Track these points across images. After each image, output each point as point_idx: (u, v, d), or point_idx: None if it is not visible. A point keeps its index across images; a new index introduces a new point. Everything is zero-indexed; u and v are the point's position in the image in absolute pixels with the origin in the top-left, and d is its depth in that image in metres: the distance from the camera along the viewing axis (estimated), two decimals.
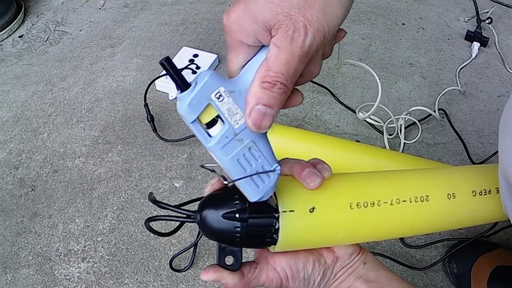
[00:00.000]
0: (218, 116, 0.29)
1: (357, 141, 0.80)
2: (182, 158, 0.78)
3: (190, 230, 0.69)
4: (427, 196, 0.37)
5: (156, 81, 0.88)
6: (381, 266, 0.40)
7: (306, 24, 0.27)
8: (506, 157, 0.33)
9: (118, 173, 0.77)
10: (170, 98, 0.89)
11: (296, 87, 0.32)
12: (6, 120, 0.88)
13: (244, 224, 0.32)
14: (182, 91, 0.28)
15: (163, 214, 0.35)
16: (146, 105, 0.82)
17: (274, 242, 0.34)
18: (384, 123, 0.79)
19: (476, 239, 0.64)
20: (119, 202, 0.73)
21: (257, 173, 0.31)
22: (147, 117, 0.81)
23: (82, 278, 0.65)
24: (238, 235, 0.33)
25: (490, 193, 0.39)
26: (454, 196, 0.38)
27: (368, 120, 0.81)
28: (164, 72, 0.90)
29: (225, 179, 0.32)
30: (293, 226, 0.34)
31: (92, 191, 0.75)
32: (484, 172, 0.40)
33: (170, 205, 0.34)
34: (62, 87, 0.94)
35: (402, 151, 0.78)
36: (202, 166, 0.34)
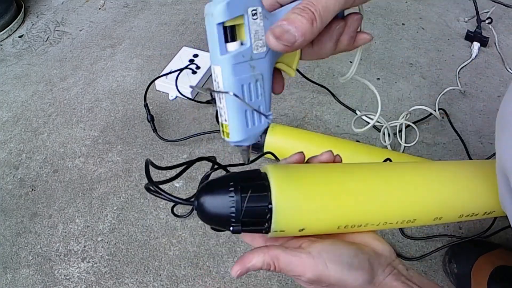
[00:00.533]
0: (240, 33, 0.29)
1: (357, 141, 0.80)
2: (182, 158, 0.78)
3: (190, 230, 0.69)
4: (415, 219, 0.38)
5: (156, 81, 0.88)
6: (421, 274, 0.38)
7: None
8: (503, 153, 0.33)
9: (118, 173, 0.77)
10: (170, 98, 0.89)
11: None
12: (6, 120, 0.88)
13: (239, 208, 0.33)
14: None
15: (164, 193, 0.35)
16: (146, 105, 0.82)
17: (270, 225, 0.34)
18: (385, 123, 0.79)
19: (476, 239, 0.64)
20: (119, 202, 0.73)
21: (253, 109, 0.31)
22: (147, 117, 0.81)
23: (82, 278, 0.65)
24: (233, 218, 0.33)
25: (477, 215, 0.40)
26: (440, 219, 0.39)
27: (368, 120, 0.81)
28: (164, 72, 0.90)
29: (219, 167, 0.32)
30: (287, 208, 0.34)
31: (92, 191, 0.75)
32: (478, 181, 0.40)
33: (173, 196, 0.34)
34: (62, 87, 0.94)
35: (403, 151, 0.78)
36: (191, 87, 0.34)
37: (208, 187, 0.34)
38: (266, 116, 0.32)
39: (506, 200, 0.35)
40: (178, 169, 0.34)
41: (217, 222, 0.34)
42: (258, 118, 0.31)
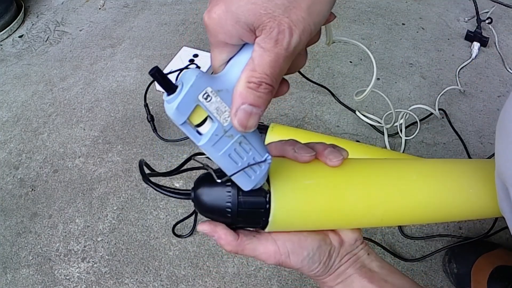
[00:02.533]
0: (207, 116, 0.29)
1: (357, 141, 0.80)
2: (182, 158, 0.78)
3: (190, 230, 0.69)
4: (410, 220, 0.40)
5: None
6: (384, 260, 0.40)
7: (291, 25, 0.26)
8: (502, 160, 0.33)
9: (118, 173, 0.77)
10: None
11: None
12: (6, 120, 0.88)
13: (235, 202, 0.33)
14: (168, 94, 0.28)
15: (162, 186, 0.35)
16: (146, 105, 0.82)
17: (266, 222, 0.34)
18: (385, 124, 0.79)
19: (476, 239, 0.64)
20: (119, 202, 0.73)
21: (249, 166, 0.32)
22: (147, 117, 0.81)
23: (82, 278, 0.65)
24: (229, 213, 0.33)
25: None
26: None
27: (368, 120, 0.81)
28: (164, 72, 0.90)
29: (217, 173, 0.33)
30: (284, 202, 0.34)
31: (92, 191, 0.75)
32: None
33: (170, 187, 0.35)
34: (62, 87, 0.94)
35: (403, 151, 0.78)
36: (194, 159, 0.35)
37: (206, 178, 0.35)
38: (264, 161, 0.33)
39: (504, 205, 0.35)
40: (179, 169, 0.35)
41: (213, 214, 0.35)
42: (257, 167, 0.32)
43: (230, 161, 0.31)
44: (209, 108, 0.28)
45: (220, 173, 0.33)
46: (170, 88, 0.27)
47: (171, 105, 0.27)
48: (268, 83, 0.28)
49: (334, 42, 0.43)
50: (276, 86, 0.29)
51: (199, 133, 0.30)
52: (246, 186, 0.33)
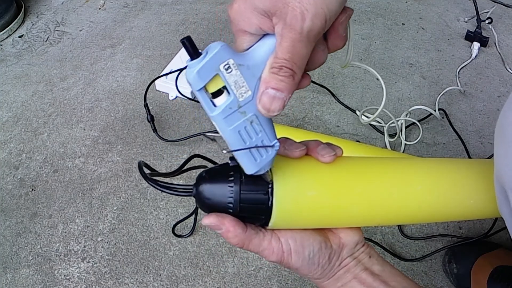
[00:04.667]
0: (224, 87, 0.30)
1: (357, 141, 0.80)
2: (182, 158, 0.78)
3: (190, 230, 0.69)
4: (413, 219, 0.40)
5: (156, 81, 0.88)
6: (385, 261, 0.40)
7: (303, 9, 0.27)
8: (501, 164, 0.33)
9: (118, 173, 0.77)
10: (170, 98, 0.89)
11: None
12: (6, 120, 0.88)
13: (237, 199, 0.33)
14: (192, 59, 0.29)
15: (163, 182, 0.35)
16: (146, 105, 0.82)
17: (268, 219, 0.34)
18: (385, 124, 0.79)
19: (476, 239, 0.64)
20: (119, 202, 0.73)
21: (256, 147, 0.32)
22: (147, 117, 0.81)
23: (82, 278, 0.65)
24: (231, 209, 0.33)
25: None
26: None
27: (368, 120, 0.81)
28: (164, 72, 0.90)
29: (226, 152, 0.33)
30: (286, 203, 0.34)
31: (92, 191, 0.75)
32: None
33: (172, 184, 0.35)
34: (62, 87, 0.94)
35: (403, 151, 0.78)
36: (204, 135, 0.35)
37: (208, 174, 0.35)
38: (272, 146, 0.33)
39: (503, 208, 0.35)
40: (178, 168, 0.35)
41: (215, 210, 0.34)
42: (265, 150, 0.33)
43: (239, 138, 0.31)
44: (228, 79, 0.30)
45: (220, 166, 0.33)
46: (196, 54, 0.29)
47: (193, 69, 0.29)
48: (288, 67, 0.29)
49: (349, 66, 0.43)
50: (298, 71, 0.30)
51: (214, 105, 0.30)
52: (249, 169, 0.33)
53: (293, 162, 0.36)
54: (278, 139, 0.36)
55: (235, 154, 0.32)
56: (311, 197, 0.35)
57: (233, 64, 0.29)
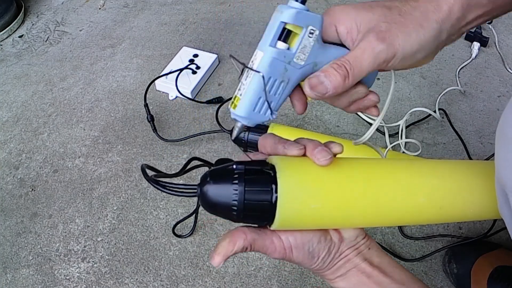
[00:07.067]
0: (289, 42, 0.35)
1: None
2: (182, 158, 0.78)
3: (190, 230, 0.69)
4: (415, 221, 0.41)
5: (156, 81, 0.88)
6: (384, 253, 0.40)
7: (386, 35, 0.34)
8: (502, 167, 0.33)
9: (118, 173, 0.77)
10: (170, 98, 0.89)
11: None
12: (6, 120, 0.88)
13: (241, 199, 0.33)
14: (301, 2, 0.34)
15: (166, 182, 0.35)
16: (146, 105, 0.82)
17: (272, 219, 0.34)
18: (385, 123, 0.79)
19: (476, 239, 0.64)
20: (119, 202, 0.73)
21: (266, 100, 0.36)
22: (147, 117, 0.81)
23: (82, 278, 0.65)
24: (235, 209, 0.33)
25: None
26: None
27: (368, 120, 0.81)
28: (164, 72, 0.90)
29: (218, 164, 0.35)
30: (289, 213, 0.34)
31: (92, 191, 0.75)
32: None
33: (176, 184, 0.35)
34: (62, 87, 0.94)
35: (403, 151, 0.78)
36: (232, 57, 0.38)
37: (213, 174, 0.34)
38: (272, 112, 0.36)
39: (504, 210, 0.35)
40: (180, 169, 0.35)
41: (219, 211, 0.34)
42: (265, 110, 0.36)
43: (266, 80, 0.35)
44: (303, 39, 0.34)
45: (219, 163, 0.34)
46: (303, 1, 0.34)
47: (295, 7, 0.33)
48: (347, 68, 0.34)
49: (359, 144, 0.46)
50: (351, 77, 0.35)
51: (275, 44, 0.34)
52: (243, 110, 0.35)
53: (298, 169, 0.36)
54: (279, 140, 0.37)
55: (245, 88, 0.35)
56: (314, 209, 0.35)
57: (317, 35, 0.34)
